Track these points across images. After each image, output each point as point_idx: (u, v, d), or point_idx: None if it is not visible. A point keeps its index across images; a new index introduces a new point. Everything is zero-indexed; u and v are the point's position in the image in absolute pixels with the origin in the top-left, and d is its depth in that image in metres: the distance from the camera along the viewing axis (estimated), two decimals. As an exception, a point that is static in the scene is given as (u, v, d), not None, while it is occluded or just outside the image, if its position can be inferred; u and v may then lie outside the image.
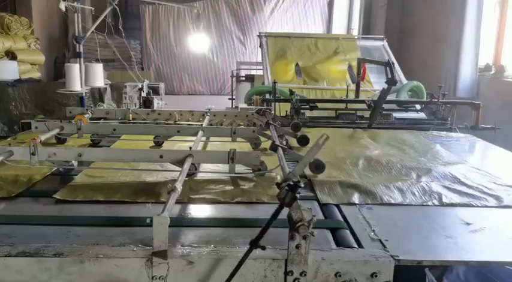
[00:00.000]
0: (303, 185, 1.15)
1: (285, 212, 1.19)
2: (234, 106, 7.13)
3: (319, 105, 3.81)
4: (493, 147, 2.90)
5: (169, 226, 1.17)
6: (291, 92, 3.74)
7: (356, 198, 1.80)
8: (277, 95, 3.80)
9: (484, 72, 5.59)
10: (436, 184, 1.98)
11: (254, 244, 1.13)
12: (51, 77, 10.11)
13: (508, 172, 2.39)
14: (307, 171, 2.06)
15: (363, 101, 3.70)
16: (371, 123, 3.40)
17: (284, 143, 2.44)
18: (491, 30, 5.61)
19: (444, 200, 1.81)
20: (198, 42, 9.10)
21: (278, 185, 1.23)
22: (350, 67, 5.31)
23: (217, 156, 2.00)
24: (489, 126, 3.45)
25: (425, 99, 4.02)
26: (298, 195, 1.13)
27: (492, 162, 2.82)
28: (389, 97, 4.12)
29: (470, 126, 3.47)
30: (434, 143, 2.89)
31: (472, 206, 1.77)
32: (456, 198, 1.83)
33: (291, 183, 1.13)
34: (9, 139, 2.66)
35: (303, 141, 2.63)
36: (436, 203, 1.79)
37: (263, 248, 1.14)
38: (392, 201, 1.79)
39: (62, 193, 1.75)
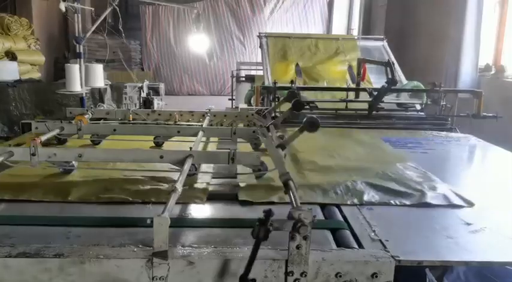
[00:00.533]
0: (273, 214, 1.14)
1: (285, 212, 1.19)
2: (234, 106, 7.14)
3: (320, 105, 3.81)
4: (493, 147, 2.90)
5: (170, 226, 1.17)
6: (292, 82, 3.73)
7: (276, 198, 1.76)
8: (277, 95, 3.80)
9: (484, 72, 5.59)
10: (362, 183, 1.94)
11: (244, 280, 1.13)
12: (51, 78, 10.13)
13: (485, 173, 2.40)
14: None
15: (364, 89, 3.70)
16: (370, 112, 3.41)
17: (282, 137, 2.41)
18: (491, 30, 5.61)
19: (365, 198, 1.80)
20: (198, 42, 9.12)
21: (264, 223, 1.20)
22: (350, 67, 5.31)
23: (218, 156, 2.00)
24: (491, 114, 3.42)
25: (425, 99, 4.00)
26: (271, 228, 1.12)
27: (486, 163, 2.83)
28: (390, 98, 4.12)
29: (471, 115, 3.45)
30: (385, 143, 2.84)
31: (391, 204, 1.76)
32: (377, 196, 1.82)
33: (262, 217, 1.13)
34: (10, 141, 2.66)
35: (298, 106, 2.49)
36: (356, 201, 1.77)
37: (253, 280, 1.14)
38: (311, 201, 1.75)
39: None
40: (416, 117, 3.87)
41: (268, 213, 1.13)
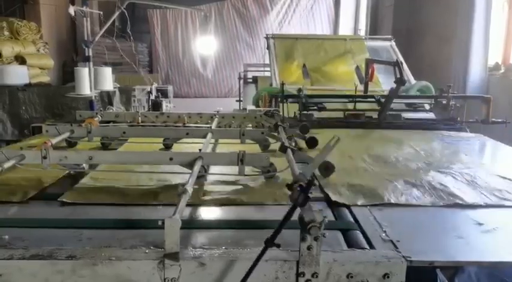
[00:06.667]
0: (316, 184, 1.15)
1: (295, 213, 1.19)
2: (241, 108, 7.14)
3: (328, 105, 3.80)
4: (503, 146, 2.88)
5: (181, 228, 1.17)
6: (300, 90, 3.73)
7: (99, 199, 1.75)
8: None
9: (493, 71, 5.55)
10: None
11: (269, 243, 1.14)
12: (60, 81, 10.20)
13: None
14: (316, 172, 2.05)
15: (372, 96, 3.69)
16: (380, 121, 3.38)
17: (293, 144, 2.44)
18: (500, 28, 5.57)
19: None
20: (205, 45, 9.14)
21: (289, 186, 1.23)
22: (358, 68, 5.29)
23: (227, 158, 2.00)
24: (500, 120, 3.42)
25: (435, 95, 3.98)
26: (310, 196, 1.13)
27: (499, 161, 2.81)
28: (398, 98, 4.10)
29: (481, 120, 3.45)
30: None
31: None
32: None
33: (303, 184, 1.14)
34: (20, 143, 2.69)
35: (312, 143, 2.63)
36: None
37: (278, 245, 1.15)
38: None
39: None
40: (426, 118, 3.86)
41: (311, 181, 1.15)
